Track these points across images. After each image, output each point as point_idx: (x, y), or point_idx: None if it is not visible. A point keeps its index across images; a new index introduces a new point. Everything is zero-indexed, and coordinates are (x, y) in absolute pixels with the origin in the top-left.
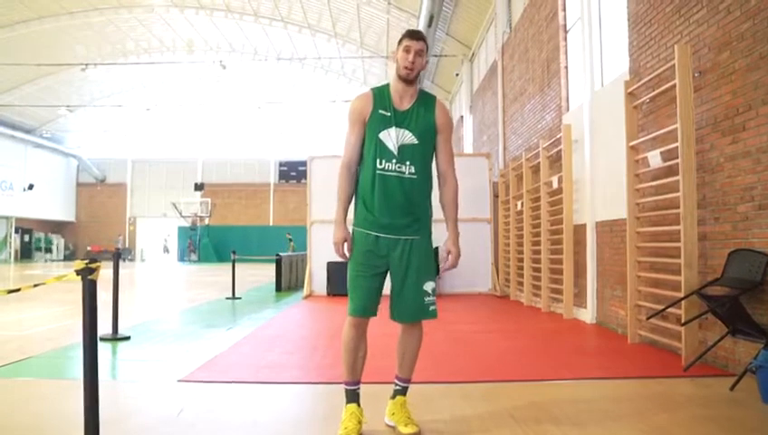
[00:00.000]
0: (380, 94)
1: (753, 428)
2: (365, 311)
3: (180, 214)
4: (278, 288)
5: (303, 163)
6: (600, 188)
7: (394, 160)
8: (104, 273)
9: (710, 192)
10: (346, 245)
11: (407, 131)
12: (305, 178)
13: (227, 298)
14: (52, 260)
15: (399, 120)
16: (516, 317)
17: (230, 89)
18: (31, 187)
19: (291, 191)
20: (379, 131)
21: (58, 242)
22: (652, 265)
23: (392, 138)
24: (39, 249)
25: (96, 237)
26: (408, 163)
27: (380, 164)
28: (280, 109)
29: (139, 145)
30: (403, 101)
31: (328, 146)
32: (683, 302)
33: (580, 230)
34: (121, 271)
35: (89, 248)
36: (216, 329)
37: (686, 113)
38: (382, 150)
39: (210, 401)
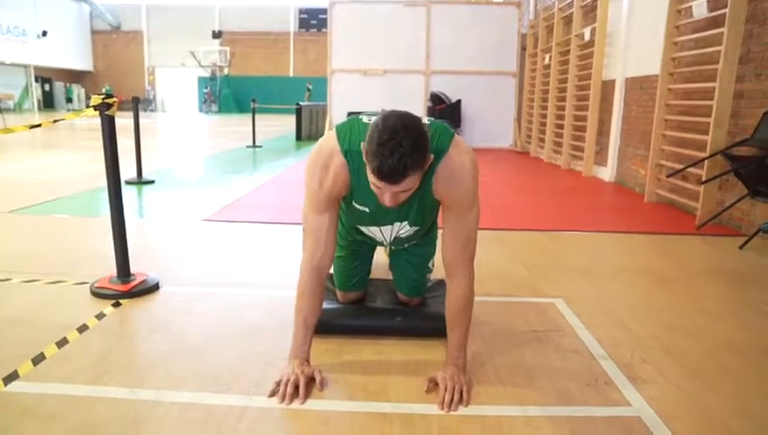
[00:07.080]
0: (357, 178)
1: (757, 283)
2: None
3: (199, 63)
4: (298, 137)
5: (324, 11)
6: (634, 41)
7: (384, 247)
8: (126, 122)
9: (756, 46)
10: (300, 381)
11: (400, 224)
12: (326, 28)
13: (248, 147)
14: (74, 109)
15: (387, 216)
16: (535, 173)
17: None
18: (44, 33)
19: (312, 41)
20: (359, 224)
21: (79, 92)
22: (680, 124)
23: (381, 234)
24: (70, 100)
25: (116, 87)
26: (405, 244)
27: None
28: None
29: None
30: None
31: None
32: (706, 161)
33: (608, 86)
34: (143, 120)
35: None
36: (238, 175)
37: None
38: (368, 237)
39: (232, 239)
